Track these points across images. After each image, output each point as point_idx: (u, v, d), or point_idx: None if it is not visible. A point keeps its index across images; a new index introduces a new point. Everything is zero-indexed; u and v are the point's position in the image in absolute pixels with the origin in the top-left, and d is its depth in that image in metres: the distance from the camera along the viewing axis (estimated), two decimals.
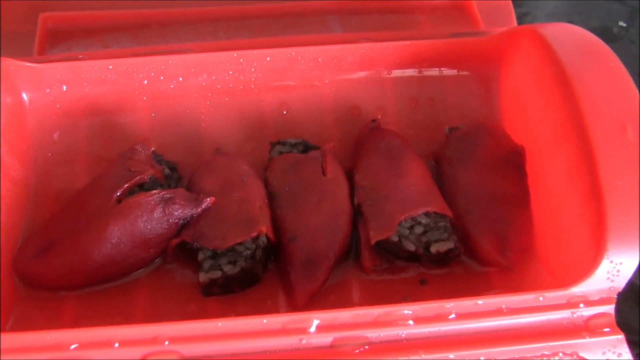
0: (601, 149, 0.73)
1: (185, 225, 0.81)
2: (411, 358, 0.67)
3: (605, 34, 1.12)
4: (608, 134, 0.74)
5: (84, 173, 0.88)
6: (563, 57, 0.81)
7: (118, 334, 0.67)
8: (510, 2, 1.09)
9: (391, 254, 0.82)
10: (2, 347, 0.66)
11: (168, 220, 0.79)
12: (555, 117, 0.80)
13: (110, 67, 0.89)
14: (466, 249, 0.82)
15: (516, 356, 0.68)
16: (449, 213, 0.81)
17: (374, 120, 0.90)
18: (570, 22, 0.89)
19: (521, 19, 1.10)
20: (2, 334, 0.67)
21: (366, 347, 0.68)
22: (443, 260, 0.81)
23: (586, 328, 0.70)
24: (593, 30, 0.85)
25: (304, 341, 0.67)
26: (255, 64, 0.91)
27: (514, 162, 0.85)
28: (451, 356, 0.68)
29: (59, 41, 1.04)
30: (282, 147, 0.88)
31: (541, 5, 1.18)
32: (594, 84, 0.77)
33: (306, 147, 0.88)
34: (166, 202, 0.79)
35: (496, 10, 1.08)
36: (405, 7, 1.09)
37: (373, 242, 0.79)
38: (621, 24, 1.14)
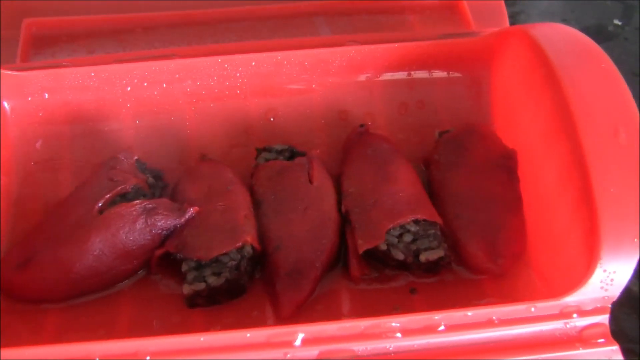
0: (593, 153, 0.71)
1: (169, 235, 0.79)
2: None
3: (600, 32, 1.11)
4: (600, 137, 0.72)
5: (67, 182, 0.87)
6: (553, 58, 0.79)
7: (99, 349, 0.66)
8: (502, 1, 1.07)
9: (380, 263, 0.80)
10: None
11: (151, 231, 0.78)
12: (545, 120, 0.79)
13: (93, 74, 0.88)
14: (456, 256, 0.81)
15: None
16: (438, 220, 0.80)
17: (362, 125, 0.88)
18: (564, 20, 0.88)
19: (514, 18, 1.09)
20: None
21: None
22: (433, 268, 0.79)
23: (580, 339, 0.68)
24: (588, 28, 0.84)
25: (289, 355, 0.66)
26: (240, 69, 0.90)
27: (504, 165, 0.84)
28: None
29: (43, 47, 1.03)
30: (268, 154, 0.87)
31: (535, 3, 1.16)
32: (585, 86, 0.76)
33: (293, 154, 0.87)
34: (149, 212, 0.78)
35: (488, 9, 1.06)
36: (394, 8, 1.08)
37: (361, 251, 0.77)
38: (616, 22, 1.12)
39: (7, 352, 0.66)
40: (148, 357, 0.65)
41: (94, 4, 1.07)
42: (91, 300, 0.79)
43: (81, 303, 0.78)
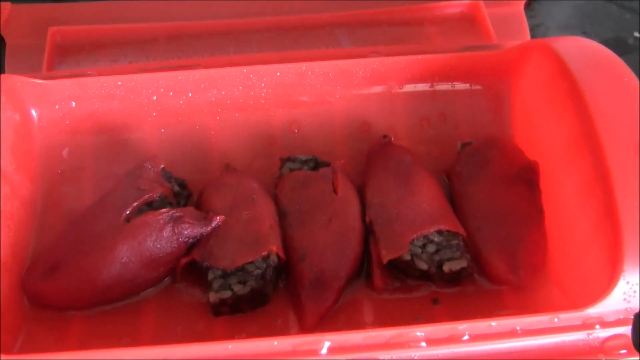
0: (616, 166, 0.72)
1: (194, 244, 0.80)
2: None
3: (620, 45, 1.11)
4: (622, 150, 0.73)
5: (92, 190, 0.87)
6: (576, 71, 0.80)
7: (125, 355, 0.66)
8: (523, 12, 1.08)
9: (403, 273, 0.81)
10: None
11: (177, 239, 0.79)
12: (568, 133, 0.79)
13: (119, 83, 0.89)
14: (478, 267, 0.81)
15: None
16: (461, 231, 0.80)
17: (385, 136, 0.89)
18: (584, 33, 0.88)
19: (534, 30, 1.09)
20: (9, 356, 0.67)
21: None
22: (455, 279, 0.79)
23: (602, 350, 0.69)
24: (607, 41, 0.85)
25: None
26: (265, 79, 0.90)
27: (525, 178, 0.84)
28: None
29: (68, 55, 1.04)
30: (293, 164, 0.87)
31: (554, 16, 1.17)
32: (607, 99, 0.77)
33: (317, 164, 0.87)
34: (175, 221, 0.79)
35: (508, 21, 1.07)
36: (415, 19, 1.08)
37: (385, 261, 0.78)
38: (636, 34, 1.13)
39: (34, 358, 0.68)
40: None
41: (118, 13, 1.08)
42: (116, 308, 0.80)
43: (106, 310, 0.79)
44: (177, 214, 0.79)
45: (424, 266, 0.78)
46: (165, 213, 0.79)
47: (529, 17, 1.08)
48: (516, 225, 0.82)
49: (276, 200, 0.85)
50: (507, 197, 0.84)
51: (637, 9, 1.16)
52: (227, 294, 0.76)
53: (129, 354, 0.66)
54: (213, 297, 0.76)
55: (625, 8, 1.16)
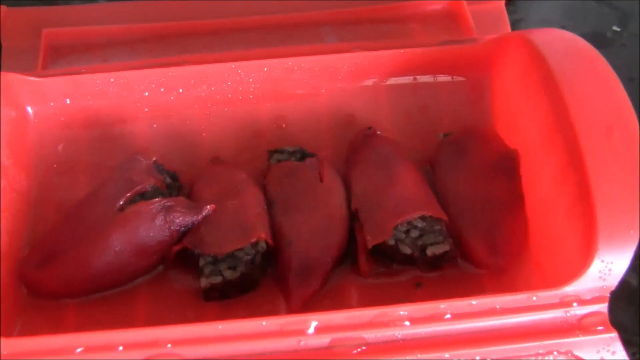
0: (589, 151, 0.74)
1: (186, 232, 0.82)
2: (407, 358, 0.68)
3: (599, 38, 1.13)
4: (595, 137, 0.75)
5: (86, 183, 0.89)
6: (551, 61, 0.82)
7: (122, 337, 0.68)
8: (504, 8, 1.10)
9: (388, 258, 0.83)
10: (11, 351, 0.67)
11: (169, 227, 0.80)
12: (544, 121, 0.81)
13: (112, 80, 0.91)
14: (460, 252, 0.83)
15: (511, 355, 0.69)
16: (443, 216, 0.82)
17: (369, 128, 0.91)
18: (563, 27, 0.90)
19: (515, 25, 1.11)
20: (11, 339, 0.69)
21: (363, 347, 0.69)
22: (438, 263, 0.82)
23: (579, 327, 0.71)
24: (586, 35, 0.86)
25: (302, 342, 0.69)
26: (252, 74, 0.93)
27: (505, 165, 0.86)
28: (447, 356, 0.69)
29: (61, 56, 1.05)
30: (280, 155, 0.89)
31: (535, 11, 1.19)
32: (582, 88, 0.78)
33: (303, 155, 0.89)
34: (167, 210, 0.81)
35: (490, 16, 1.09)
36: (398, 16, 1.10)
37: (370, 246, 0.80)
38: (614, 28, 1.15)
39: (32, 341, 0.69)
40: (169, 345, 0.68)
41: (110, 14, 1.10)
42: (110, 295, 0.81)
43: (100, 298, 0.81)
44: (169, 203, 0.81)
45: (407, 251, 0.80)
46: (157, 203, 0.81)
47: (510, 12, 1.09)
48: (497, 211, 0.84)
49: (265, 190, 0.87)
50: (488, 184, 0.86)
51: (616, 4, 1.18)
52: (217, 279, 0.78)
53: (122, 336, 0.68)
54: (204, 282, 0.79)
55: (604, 3, 1.19)
